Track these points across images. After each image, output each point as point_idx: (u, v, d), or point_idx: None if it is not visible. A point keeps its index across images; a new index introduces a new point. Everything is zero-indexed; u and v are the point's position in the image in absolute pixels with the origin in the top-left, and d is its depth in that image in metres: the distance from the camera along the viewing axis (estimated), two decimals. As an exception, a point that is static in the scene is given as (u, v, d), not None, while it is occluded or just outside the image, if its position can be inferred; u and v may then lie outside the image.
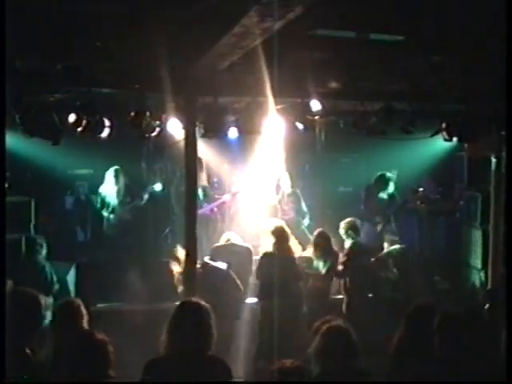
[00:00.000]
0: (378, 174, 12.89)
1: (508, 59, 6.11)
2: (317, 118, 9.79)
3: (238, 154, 13.46)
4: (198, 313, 5.20)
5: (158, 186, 12.93)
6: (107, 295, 10.68)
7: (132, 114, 8.98)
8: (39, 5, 6.86)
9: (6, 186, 10.94)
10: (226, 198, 13.10)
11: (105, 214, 12.82)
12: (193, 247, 9.24)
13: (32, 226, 11.46)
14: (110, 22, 7.34)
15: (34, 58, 8.14)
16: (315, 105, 9.57)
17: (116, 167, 12.84)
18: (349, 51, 8.54)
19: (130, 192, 12.94)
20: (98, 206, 12.83)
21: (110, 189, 12.78)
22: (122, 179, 12.80)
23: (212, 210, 12.97)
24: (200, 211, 11.61)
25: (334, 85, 9.76)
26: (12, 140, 10.85)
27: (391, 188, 12.79)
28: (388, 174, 12.81)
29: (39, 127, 8.73)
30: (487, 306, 7.27)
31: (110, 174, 12.78)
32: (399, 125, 9.76)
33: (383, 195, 12.81)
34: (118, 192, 12.81)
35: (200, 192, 12.39)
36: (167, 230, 13.18)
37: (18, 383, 5.08)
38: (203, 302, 5.41)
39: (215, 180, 13.66)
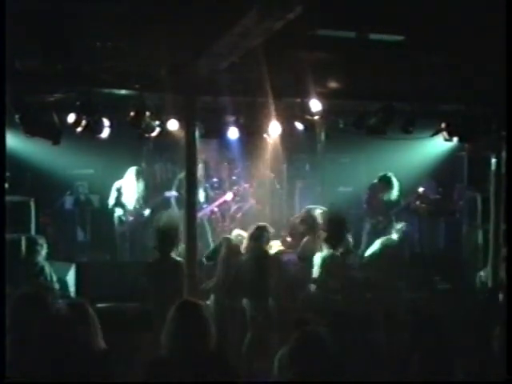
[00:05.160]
0: (381, 174, 12.84)
1: (508, 59, 6.11)
2: (317, 117, 9.78)
3: (237, 154, 13.46)
4: (196, 312, 5.21)
5: (173, 193, 12.98)
6: (107, 295, 10.66)
7: (132, 113, 8.98)
8: (39, 5, 6.85)
9: (6, 185, 10.96)
10: (227, 197, 13.12)
11: (118, 212, 12.84)
12: (193, 247, 9.25)
13: (32, 225, 11.44)
14: (110, 21, 7.34)
15: (34, 57, 8.13)
16: (315, 105, 9.57)
17: (137, 167, 12.90)
18: (349, 51, 8.54)
19: (146, 194, 13.02)
20: (113, 202, 12.82)
21: (129, 188, 12.81)
22: (142, 180, 12.89)
23: (212, 211, 12.99)
24: (200, 213, 11.66)
25: (333, 85, 9.76)
26: (12, 140, 10.89)
27: (396, 190, 12.76)
28: (391, 176, 12.76)
29: (39, 127, 8.74)
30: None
31: (130, 174, 12.82)
32: (399, 125, 9.76)
33: (387, 197, 12.78)
34: (138, 193, 12.86)
35: (202, 193, 12.48)
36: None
37: (18, 383, 5.07)
38: (199, 301, 5.44)
39: (215, 180, 13.67)
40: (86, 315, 5.77)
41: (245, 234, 10.50)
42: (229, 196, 13.15)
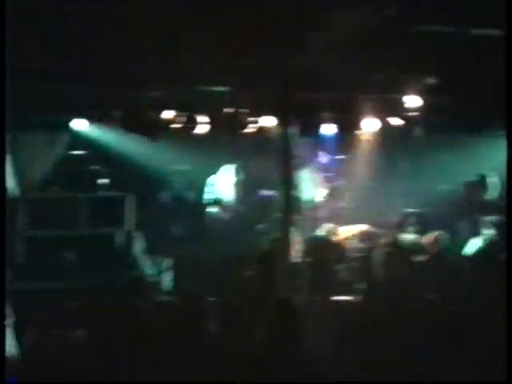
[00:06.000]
0: (478, 173, 12.56)
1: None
2: (415, 114, 9.64)
3: (333, 151, 13.37)
4: (292, 311, 5.22)
5: (270, 192, 13.08)
6: (202, 289, 10.75)
7: (228, 110, 9.02)
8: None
9: (106, 181, 11.21)
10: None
11: (214, 208, 13.04)
12: (287, 244, 9.27)
13: (129, 220, 11.63)
14: (208, 20, 7.38)
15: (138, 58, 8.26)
16: (413, 101, 9.42)
17: (234, 164, 13.13)
18: (448, 47, 8.38)
19: (242, 191, 13.19)
20: (210, 197, 13.03)
21: (226, 185, 13.03)
22: (239, 177, 13.05)
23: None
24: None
25: (432, 81, 9.60)
26: (111, 136, 11.11)
27: (493, 190, 12.46)
28: (488, 175, 12.46)
29: (138, 124, 8.88)
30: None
31: (228, 170, 13.03)
32: (500, 122, 9.51)
33: (484, 196, 12.49)
34: (235, 190, 13.04)
35: None
36: (262, 225, 13.22)
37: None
38: (294, 299, 5.45)
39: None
40: (202, 306, 5.87)
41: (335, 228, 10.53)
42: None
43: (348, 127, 10.05)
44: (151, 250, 11.00)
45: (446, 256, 10.72)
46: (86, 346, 5.17)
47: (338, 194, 13.29)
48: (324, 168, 13.70)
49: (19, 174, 11.36)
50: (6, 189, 7.96)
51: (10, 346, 8.49)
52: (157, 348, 5.19)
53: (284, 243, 9.28)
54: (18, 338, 7.74)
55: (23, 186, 11.32)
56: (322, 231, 11.19)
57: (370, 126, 10.05)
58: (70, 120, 10.48)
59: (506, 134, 8.98)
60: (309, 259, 10.18)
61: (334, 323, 9.68)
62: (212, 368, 5.04)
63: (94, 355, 5.05)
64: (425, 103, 9.65)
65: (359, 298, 9.95)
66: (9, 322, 8.67)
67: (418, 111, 9.71)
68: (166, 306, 7.39)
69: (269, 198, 13.21)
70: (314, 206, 13.14)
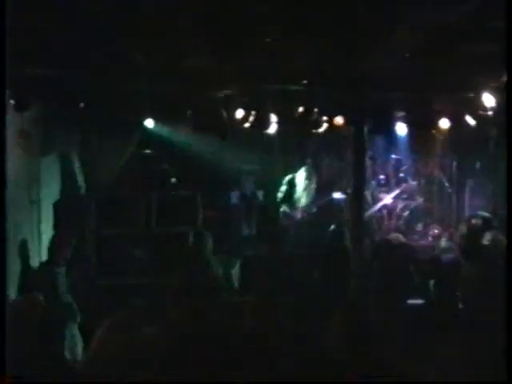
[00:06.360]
0: None
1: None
2: (490, 113, 9.41)
3: (405, 150, 13.21)
4: (362, 315, 5.17)
5: (341, 195, 13.03)
6: (273, 289, 10.72)
7: (300, 109, 8.96)
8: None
9: (174, 180, 11.27)
10: (386, 200, 12.95)
11: (284, 207, 13.06)
12: (358, 246, 9.17)
13: (199, 219, 11.68)
14: (281, 20, 7.32)
15: (204, 55, 8.26)
16: (488, 99, 9.19)
17: (308, 166, 13.17)
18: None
19: (315, 193, 13.17)
20: (282, 196, 13.12)
21: (299, 185, 13.10)
22: (313, 179, 13.02)
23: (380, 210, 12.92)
24: (367, 213, 11.62)
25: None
26: (181, 135, 11.15)
27: None
28: None
29: (208, 122, 8.88)
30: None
31: (302, 171, 13.13)
32: None
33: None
34: (308, 191, 13.01)
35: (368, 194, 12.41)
36: (332, 226, 13.15)
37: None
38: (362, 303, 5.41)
39: (382, 177, 13.48)
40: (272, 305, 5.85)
41: (402, 238, 10.35)
42: (388, 200, 12.98)
43: (421, 126, 9.87)
44: (220, 250, 11.00)
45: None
46: (152, 345, 5.15)
47: (409, 195, 13.14)
48: (396, 168, 13.57)
49: (91, 174, 11.52)
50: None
51: (78, 343, 8.64)
52: (226, 348, 5.16)
53: (355, 244, 9.18)
54: (85, 336, 7.84)
55: (95, 185, 11.48)
56: (393, 232, 11.07)
57: (442, 125, 9.85)
58: (140, 119, 10.57)
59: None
60: (379, 261, 10.07)
61: (404, 326, 9.60)
62: (283, 369, 5.01)
63: (160, 355, 5.03)
64: (500, 102, 9.41)
65: (435, 300, 9.81)
66: (77, 319, 8.82)
67: (493, 110, 9.47)
68: (235, 306, 7.38)
69: (339, 198, 13.14)
70: (385, 207, 13.02)
